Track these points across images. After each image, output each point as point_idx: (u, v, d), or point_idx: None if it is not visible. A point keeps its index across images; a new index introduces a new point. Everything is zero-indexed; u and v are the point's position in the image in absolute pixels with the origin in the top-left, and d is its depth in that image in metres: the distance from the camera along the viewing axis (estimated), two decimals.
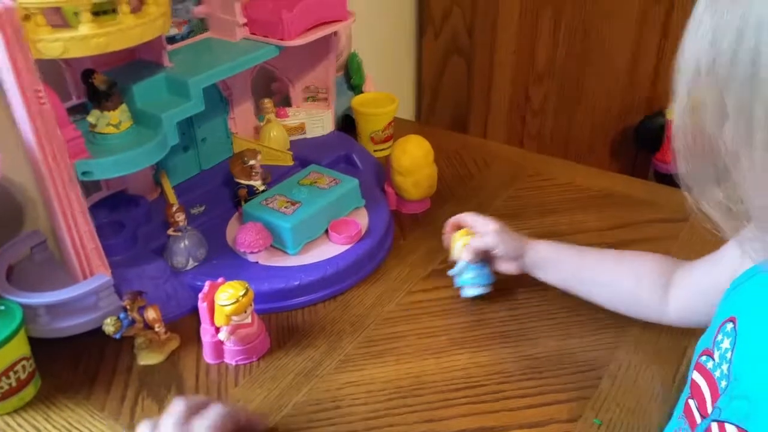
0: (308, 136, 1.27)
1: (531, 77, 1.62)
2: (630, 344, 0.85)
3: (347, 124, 1.33)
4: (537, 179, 1.21)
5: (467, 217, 0.95)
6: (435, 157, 1.10)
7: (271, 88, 1.33)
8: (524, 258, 0.89)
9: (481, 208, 1.07)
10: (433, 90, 1.82)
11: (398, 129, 1.30)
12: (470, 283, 0.91)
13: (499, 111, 1.71)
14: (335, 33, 1.17)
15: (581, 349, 0.85)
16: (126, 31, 0.80)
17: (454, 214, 0.98)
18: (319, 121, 1.27)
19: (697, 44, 0.45)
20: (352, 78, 1.36)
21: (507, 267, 0.91)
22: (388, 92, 1.34)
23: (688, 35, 0.46)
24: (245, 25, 1.08)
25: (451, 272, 0.93)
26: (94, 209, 0.97)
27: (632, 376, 0.81)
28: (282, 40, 1.06)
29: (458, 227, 0.96)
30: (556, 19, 1.52)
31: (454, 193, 1.18)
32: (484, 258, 0.91)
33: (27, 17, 0.74)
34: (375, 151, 1.28)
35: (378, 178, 1.18)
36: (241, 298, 0.80)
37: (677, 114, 0.49)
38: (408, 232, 1.08)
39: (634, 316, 0.84)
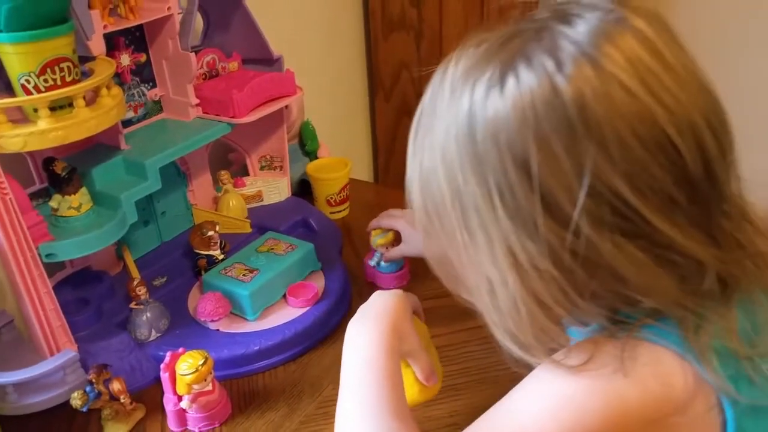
0: (266, 203, 1.32)
1: None
2: None
3: (304, 188, 1.39)
4: None
5: (383, 222, 1.11)
6: None
7: (228, 158, 1.38)
8: None
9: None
10: (387, 151, 1.89)
11: (356, 190, 1.36)
12: (381, 269, 1.11)
13: None
14: (286, 106, 1.23)
15: None
16: (82, 124, 0.85)
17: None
18: (276, 188, 1.32)
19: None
20: (306, 145, 1.42)
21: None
22: (344, 155, 1.40)
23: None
24: (198, 105, 1.13)
25: (369, 262, 1.12)
26: (59, 287, 1.01)
27: None
28: (233, 117, 1.12)
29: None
30: None
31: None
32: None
33: None
34: (331, 213, 1.33)
35: (335, 240, 1.23)
36: (200, 367, 0.83)
37: None
38: (365, 293, 1.11)
39: None
